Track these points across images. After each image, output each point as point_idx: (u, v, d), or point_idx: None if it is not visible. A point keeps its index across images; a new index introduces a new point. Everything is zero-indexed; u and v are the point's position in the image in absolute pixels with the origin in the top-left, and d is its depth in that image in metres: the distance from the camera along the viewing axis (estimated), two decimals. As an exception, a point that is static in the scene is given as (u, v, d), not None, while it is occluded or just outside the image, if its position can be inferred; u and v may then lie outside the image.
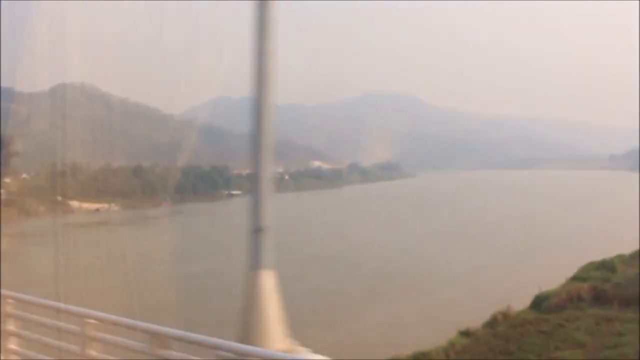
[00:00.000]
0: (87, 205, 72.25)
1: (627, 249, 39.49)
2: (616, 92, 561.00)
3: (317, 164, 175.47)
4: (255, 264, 6.33)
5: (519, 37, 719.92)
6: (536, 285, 31.17)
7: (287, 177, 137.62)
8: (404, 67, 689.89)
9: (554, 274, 34.26)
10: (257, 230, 6.39)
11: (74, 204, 70.98)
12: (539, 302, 29.60)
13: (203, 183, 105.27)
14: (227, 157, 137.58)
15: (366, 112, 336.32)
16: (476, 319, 27.44)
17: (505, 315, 27.83)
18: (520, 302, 30.06)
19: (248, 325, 6.22)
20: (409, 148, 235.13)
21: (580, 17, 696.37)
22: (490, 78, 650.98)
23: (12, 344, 7.98)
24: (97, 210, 72.45)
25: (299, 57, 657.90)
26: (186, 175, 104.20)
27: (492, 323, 27.44)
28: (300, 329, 6.70)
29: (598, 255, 37.16)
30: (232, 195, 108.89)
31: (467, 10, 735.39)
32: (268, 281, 6.30)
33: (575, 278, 33.07)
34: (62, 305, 7.57)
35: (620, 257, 37.49)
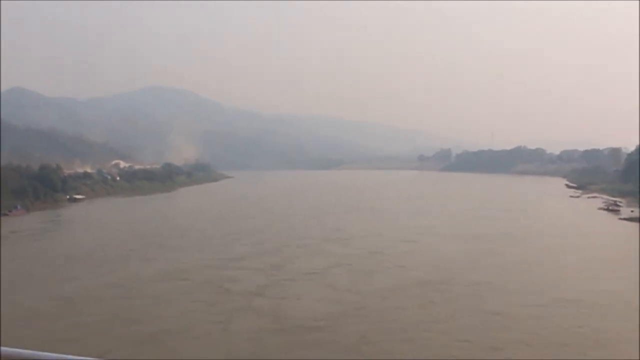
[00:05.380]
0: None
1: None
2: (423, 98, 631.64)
3: (121, 163, 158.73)
4: None
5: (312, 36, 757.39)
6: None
7: (118, 178, 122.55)
8: (177, 61, 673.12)
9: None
10: None
11: None
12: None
13: (44, 186, 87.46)
14: (30, 155, 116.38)
15: (149, 106, 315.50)
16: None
17: None
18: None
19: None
20: (210, 147, 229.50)
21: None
22: (274, 75, 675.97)
23: None
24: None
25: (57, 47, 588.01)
26: (20, 177, 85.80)
27: None
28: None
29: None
30: (76, 199, 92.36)
31: (258, 10, 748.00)
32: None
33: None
34: None
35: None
